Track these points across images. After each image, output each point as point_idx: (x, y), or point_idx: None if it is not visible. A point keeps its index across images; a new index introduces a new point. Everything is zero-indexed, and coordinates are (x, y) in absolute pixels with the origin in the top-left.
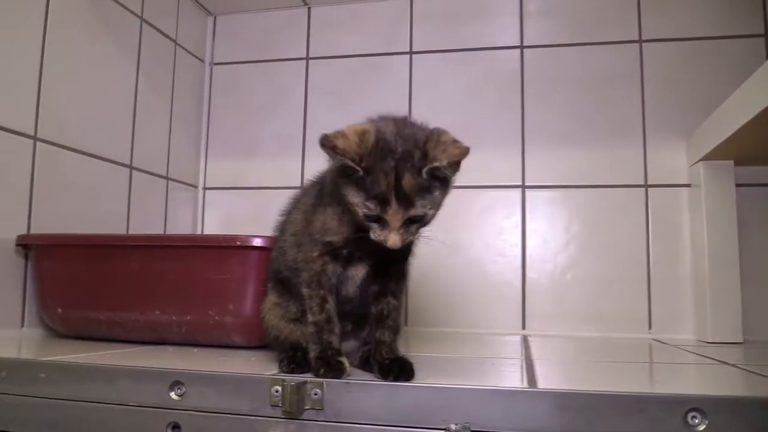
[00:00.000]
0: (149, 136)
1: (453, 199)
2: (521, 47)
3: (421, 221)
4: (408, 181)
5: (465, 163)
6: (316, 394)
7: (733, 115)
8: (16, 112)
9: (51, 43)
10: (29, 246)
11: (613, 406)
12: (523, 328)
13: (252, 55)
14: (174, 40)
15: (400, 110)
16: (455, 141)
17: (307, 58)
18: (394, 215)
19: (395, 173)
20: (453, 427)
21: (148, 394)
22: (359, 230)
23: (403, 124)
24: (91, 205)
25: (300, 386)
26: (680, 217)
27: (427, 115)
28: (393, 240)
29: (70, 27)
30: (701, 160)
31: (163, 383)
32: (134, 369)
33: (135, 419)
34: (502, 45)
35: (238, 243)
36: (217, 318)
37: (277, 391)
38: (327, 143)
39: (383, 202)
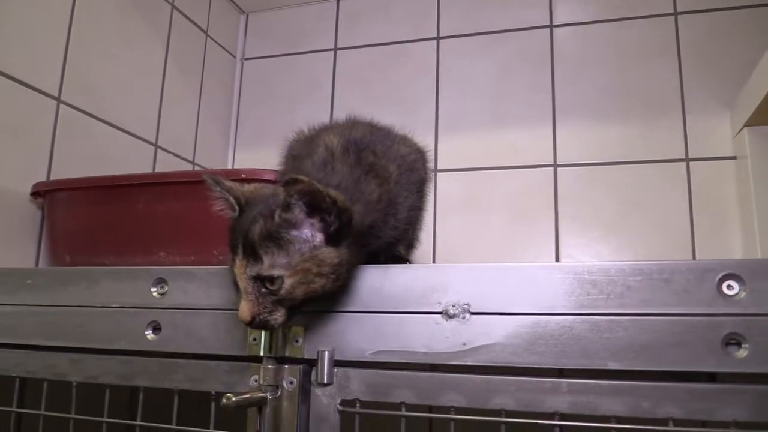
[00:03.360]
0: (176, 119)
1: (479, 181)
2: (550, 26)
3: (278, 291)
4: (258, 227)
5: (492, 144)
6: None
7: None
8: (42, 72)
9: (80, 8)
10: (43, 196)
11: (634, 276)
12: None
13: (282, 49)
14: (205, 32)
15: (427, 95)
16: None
17: (335, 49)
18: (240, 271)
19: (249, 221)
20: (452, 310)
21: (129, 294)
22: None
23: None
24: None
25: None
26: (727, 191)
27: (456, 98)
28: (241, 310)
29: (100, 3)
30: (745, 125)
31: (146, 282)
32: (117, 270)
33: (114, 321)
34: (530, 26)
35: (243, 176)
36: (221, 258)
37: None
38: (211, 177)
39: (234, 251)
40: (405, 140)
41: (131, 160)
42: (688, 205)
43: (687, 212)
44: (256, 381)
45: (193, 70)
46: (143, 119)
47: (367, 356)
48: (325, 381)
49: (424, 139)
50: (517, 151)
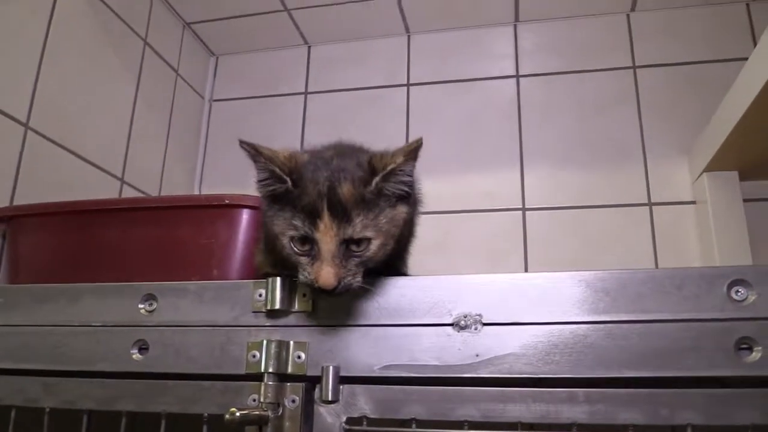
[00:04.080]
0: (144, 156)
1: (451, 224)
2: (517, 76)
3: (364, 253)
4: (346, 189)
5: (462, 188)
6: (304, 295)
7: (727, 117)
8: (11, 96)
9: (54, 36)
10: (6, 222)
11: (647, 284)
12: None
13: (251, 92)
14: (176, 71)
15: (399, 140)
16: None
17: (306, 93)
18: (325, 234)
19: (329, 182)
20: (463, 321)
21: (114, 311)
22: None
23: (347, 147)
24: None
25: (286, 285)
26: (688, 234)
27: (426, 143)
28: (325, 276)
29: (73, 30)
30: (704, 171)
31: (132, 298)
32: (101, 286)
33: (96, 340)
34: (498, 75)
35: (227, 201)
36: None
37: (260, 295)
38: (247, 144)
39: (312, 214)
40: None
41: (96, 193)
42: (653, 248)
43: (652, 254)
44: (255, 400)
45: (162, 108)
46: (111, 153)
47: (375, 371)
48: (330, 398)
49: None
50: (487, 194)
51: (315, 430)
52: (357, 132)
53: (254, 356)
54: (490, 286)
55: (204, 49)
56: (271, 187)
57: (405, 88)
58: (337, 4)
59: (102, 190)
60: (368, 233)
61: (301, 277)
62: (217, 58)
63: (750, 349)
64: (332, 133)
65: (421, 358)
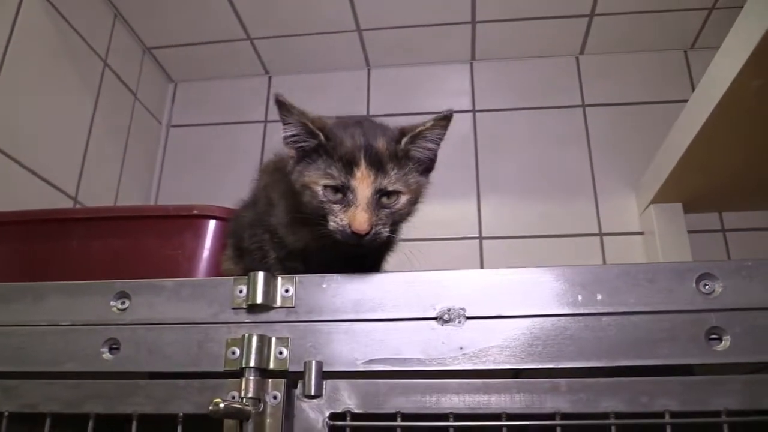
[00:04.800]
0: (98, 176)
1: (410, 251)
2: (473, 111)
3: (394, 206)
4: (381, 144)
5: (420, 217)
6: (287, 291)
7: (670, 153)
8: None
9: (13, 52)
10: None
11: (621, 278)
12: None
13: (210, 119)
14: (134, 94)
15: None
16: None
17: (266, 121)
18: (363, 181)
19: (365, 137)
20: (447, 315)
21: (84, 311)
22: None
23: (372, 119)
24: None
25: (269, 280)
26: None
27: None
28: (360, 220)
29: (34, 44)
30: (651, 203)
31: (104, 297)
32: (70, 284)
33: (64, 340)
34: (456, 109)
35: (195, 212)
36: None
37: (241, 292)
38: (281, 101)
39: (349, 163)
40: None
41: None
42: None
43: None
44: (234, 397)
45: (119, 130)
46: (65, 171)
47: (359, 366)
48: (313, 393)
49: None
50: (445, 223)
51: (297, 426)
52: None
53: (233, 353)
54: (473, 281)
55: (163, 74)
56: (301, 144)
57: None
58: (300, 35)
59: (54, 207)
60: (400, 186)
61: (332, 224)
62: (176, 84)
63: (719, 338)
64: None
65: (405, 352)
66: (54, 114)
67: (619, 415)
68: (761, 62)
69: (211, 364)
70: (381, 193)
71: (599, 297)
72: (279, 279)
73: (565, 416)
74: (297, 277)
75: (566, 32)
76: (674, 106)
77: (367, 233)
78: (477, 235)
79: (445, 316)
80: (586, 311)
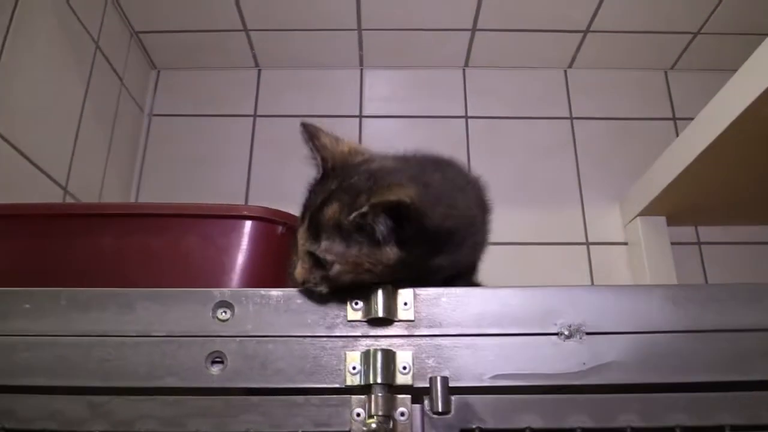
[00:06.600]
0: (87, 166)
1: None
2: (466, 117)
3: (328, 271)
4: (332, 209)
5: None
6: (405, 305)
7: (668, 168)
8: None
9: (15, 31)
10: None
11: (732, 296)
12: None
13: (194, 110)
14: (121, 80)
15: None
16: (401, 186)
17: (255, 116)
18: (300, 237)
19: (328, 194)
20: (568, 330)
21: (180, 321)
22: None
23: (416, 163)
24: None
25: (389, 293)
26: (621, 272)
27: None
28: (297, 270)
29: (36, 23)
30: (638, 215)
31: (202, 306)
32: (159, 292)
33: (159, 352)
34: (449, 114)
35: (245, 213)
36: None
37: (356, 304)
38: (309, 127)
39: (302, 218)
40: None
41: (34, 198)
42: (591, 283)
43: None
44: (359, 415)
45: (106, 117)
46: (56, 158)
47: (486, 381)
48: (441, 409)
49: None
50: None
51: None
52: (308, 161)
53: (354, 368)
54: (588, 297)
55: (147, 60)
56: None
57: (357, 119)
58: (298, 30)
59: (41, 195)
60: (329, 257)
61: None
62: (159, 71)
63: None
64: (283, 159)
65: (530, 367)
66: (48, 96)
67: (736, 428)
68: None
69: (330, 380)
70: (313, 256)
71: (707, 314)
72: (398, 292)
73: (686, 429)
74: (415, 291)
75: (560, 45)
76: (654, 124)
77: (301, 283)
78: None
79: (566, 332)
80: (694, 328)
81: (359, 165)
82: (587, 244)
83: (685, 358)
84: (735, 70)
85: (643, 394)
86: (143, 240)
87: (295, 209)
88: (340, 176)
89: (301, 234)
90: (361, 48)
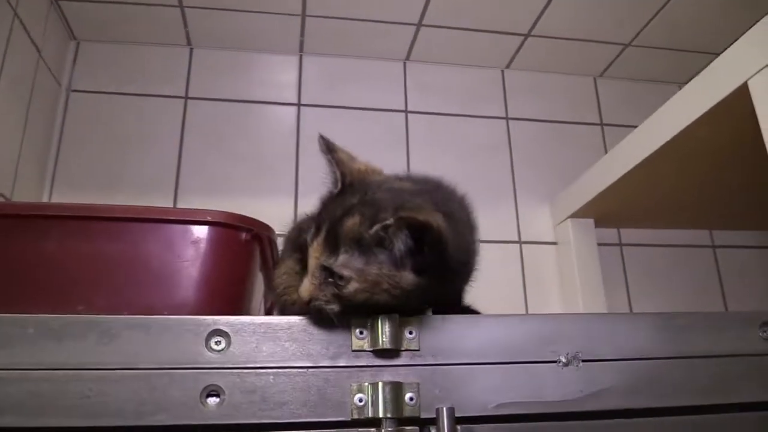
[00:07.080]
0: (2, 146)
1: None
2: (406, 111)
3: (342, 289)
4: (353, 221)
5: None
6: (410, 333)
7: (598, 178)
8: None
9: None
10: None
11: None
12: None
13: (118, 87)
14: (39, 51)
15: (287, 157)
16: (431, 211)
17: (186, 98)
18: (314, 250)
19: (349, 207)
20: (565, 358)
21: (169, 351)
22: None
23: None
24: None
25: (394, 321)
26: (550, 270)
27: (315, 165)
28: (304, 288)
29: None
30: (569, 217)
31: (193, 335)
32: (146, 319)
33: (148, 387)
34: (390, 108)
35: (208, 218)
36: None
37: (361, 333)
38: (326, 140)
39: (316, 229)
40: None
41: None
42: (522, 281)
43: (521, 288)
44: None
45: (22, 93)
46: None
47: (490, 410)
48: None
49: (283, 203)
50: None
51: None
52: (245, 147)
53: (360, 400)
54: (582, 325)
55: (66, 31)
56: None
57: (296, 107)
58: (239, 10)
59: None
60: (346, 273)
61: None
62: (78, 42)
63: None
64: (215, 143)
65: (531, 394)
66: None
67: None
68: (716, 118)
69: (335, 413)
70: (327, 272)
71: (693, 340)
72: (402, 321)
73: None
74: (420, 319)
75: (501, 46)
76: (583, 128)
77: (306, 302)
78: None
79: (564, 359)
80: (681, 355)
81: (381, 183)
82: (520, 242)
83: (670, 382)
84: (661, 82)
85: (636, 419)
86: (96, 245)
87: (230, 200)
88: (360, 191)
89: (316, 247)
90: (303, 33)
